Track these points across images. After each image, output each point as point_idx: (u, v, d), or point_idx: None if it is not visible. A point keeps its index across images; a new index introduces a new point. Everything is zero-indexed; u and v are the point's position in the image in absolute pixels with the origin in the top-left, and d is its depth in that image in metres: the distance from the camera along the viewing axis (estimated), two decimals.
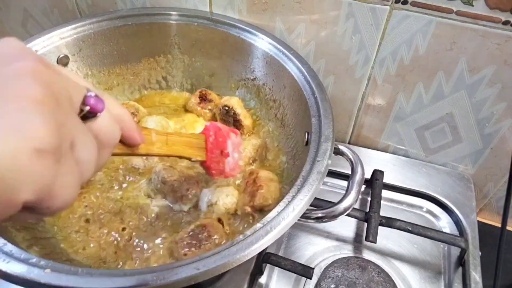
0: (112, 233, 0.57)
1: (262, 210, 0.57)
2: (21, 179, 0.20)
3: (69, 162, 0.24)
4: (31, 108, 0.20)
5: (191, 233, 0.53)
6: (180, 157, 0.45)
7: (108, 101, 0.29)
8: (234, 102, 0.68)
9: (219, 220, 0.56)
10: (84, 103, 0.26)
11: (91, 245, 0.55)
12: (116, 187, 0.61)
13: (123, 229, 0.57)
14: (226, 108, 0.68)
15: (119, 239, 0.56)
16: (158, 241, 0.56)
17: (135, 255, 0.54)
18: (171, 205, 0.59)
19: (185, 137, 0.47)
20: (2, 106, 0.20)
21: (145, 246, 0.55)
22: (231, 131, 0.51)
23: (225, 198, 0.57)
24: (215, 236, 0.53)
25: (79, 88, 0.26)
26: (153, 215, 0.58)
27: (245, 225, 0.57)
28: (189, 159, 0.47)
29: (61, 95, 0.23)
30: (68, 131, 0.23)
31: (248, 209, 0.56)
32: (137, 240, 0.56)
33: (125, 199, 0.60)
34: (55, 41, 0.64)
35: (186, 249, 0.51)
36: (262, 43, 0.66)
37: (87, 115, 0.26)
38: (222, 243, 0.53)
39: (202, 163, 0.49)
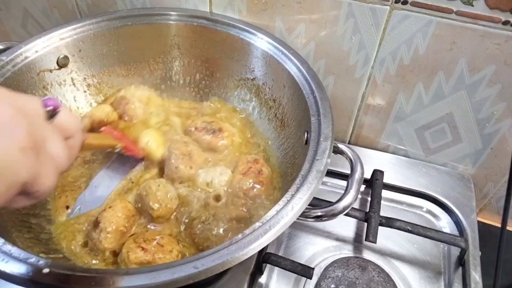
0: None
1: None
2: (16, 167, 0.28)
3: (44, 154, 0.32)
4: (8, 122, 0.29)
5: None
6: (110, 146, 0.59)
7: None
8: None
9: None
10: (45, 106, 0.33)
11: None
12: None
13: None
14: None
15: None
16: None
17: None
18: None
19: (105, 135, 0.63)
20: None
21: None
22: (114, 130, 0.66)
23: (219, 176, 0.61)
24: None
25: (33, 98, 0.33)
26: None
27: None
28: (115, 146, 0.60)
29: (25, 107, 0.31)
30: (37, 130, 0.31)
31: (241, 194, 0.58)
32: None
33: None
34: (55, 41, 0.64)
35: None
36: (261, 42, 0.66)
37: (52, 114, 0.34)
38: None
39: (125, 149, 0.62)
